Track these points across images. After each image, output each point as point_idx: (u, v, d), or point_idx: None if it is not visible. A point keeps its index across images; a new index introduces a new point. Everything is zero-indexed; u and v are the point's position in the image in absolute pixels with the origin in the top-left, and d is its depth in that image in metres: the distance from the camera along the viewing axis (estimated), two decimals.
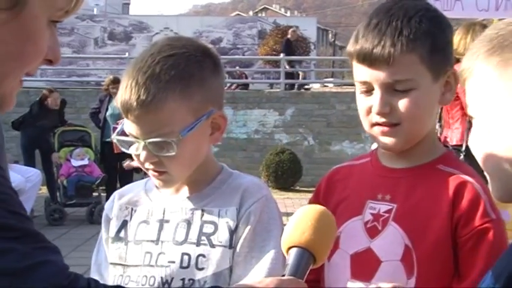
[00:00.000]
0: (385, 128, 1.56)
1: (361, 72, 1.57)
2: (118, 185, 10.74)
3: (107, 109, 11.14)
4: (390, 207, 1.59)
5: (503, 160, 1.10)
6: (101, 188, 10.72)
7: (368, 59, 1.54)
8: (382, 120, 1.56)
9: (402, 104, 1.53)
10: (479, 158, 1.15)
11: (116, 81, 11.08)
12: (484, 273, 1.45)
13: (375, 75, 1.54)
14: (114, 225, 1.75)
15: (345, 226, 1.63)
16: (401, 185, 1.60)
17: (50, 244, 1.12)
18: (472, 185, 1.54)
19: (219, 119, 1.66)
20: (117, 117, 10.81)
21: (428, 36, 1.54)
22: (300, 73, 22.15)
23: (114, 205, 1.78)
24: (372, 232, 1.59)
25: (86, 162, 10.74)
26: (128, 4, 58.32)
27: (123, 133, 1.64)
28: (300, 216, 1.31)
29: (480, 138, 1.14)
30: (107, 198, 10.50)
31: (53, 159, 10.79)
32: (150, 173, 1.65)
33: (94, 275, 1.76)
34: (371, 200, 1.62)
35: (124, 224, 1.74)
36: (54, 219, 10.31)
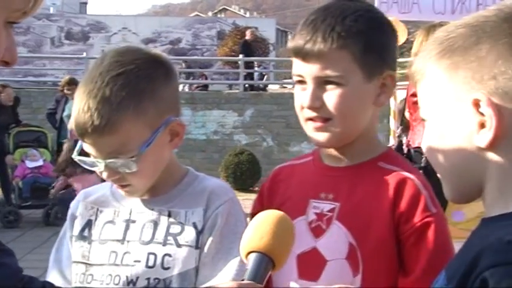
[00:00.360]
0: (317, 124, 1.59)
1: (296, 66, 1.61)
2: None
3: (63, 110, 11.03)
4: (333, 206, 1.60)
5: (453, 162, 1.12)
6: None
7: (301, 53, 1.57)
8: (314, 114, 1.58)
9: (331, 98, 1.56)
10: (431, 160, 1.16)
11: (71, 83, 10.98)
12: (428, 267, 1.49)
13: (307, 69, 1.57)
14: (78, 224, 1.75)
15: None
16: (343, 184, 1.62)
17: (4, 247, 1.11)
18: (412, 182, 1.56)
19: (177, 127, 1.67)
20: None
21: (363, 35, 1.56)
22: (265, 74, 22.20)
23: (79, 204, 1.78)
24: (317, 232, 1.61)
25: (41, 163, 10.59)
26: (86, 4, 57.77)
27: (83, 151, 1.64)
28: (258, 221, 1.30)
29: (431, 140, 1.15)
30: (61, 199, 10.34)
31: (7, 161, 10.62)
32: (115, 185, 1.67)
33: (53, 272, 1.75)
34: (314, 200, 1.64)
35: (88, 223, 1.74)
36: (9, 222, 10.12)
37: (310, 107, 1.58)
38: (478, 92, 1.05)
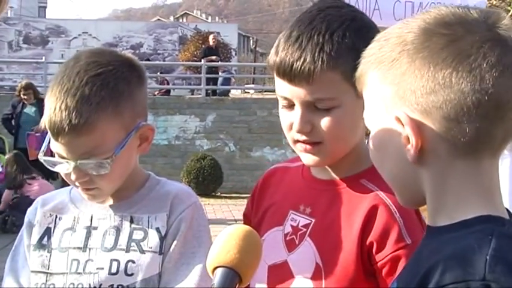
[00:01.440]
0: (307, 146, 1.52)
1: (282, 88, 1.51)
2: None
3: (20, 115, 10.87)
4: (308, 221, 1.57)
5: (393, 173, 1.13)
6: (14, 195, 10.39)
7: (288, 74, 1.46)
8: (303, 138, 1.51)
9: (324, 123, 1.48)
10: (378, 170, 1.18)
11: (27, 87, 10.86)
12: None
13: (296, 92, 1.47)
14: (36, 232, 1.72)
15: (268, 235, 1.63)
16: (323, 199, 1.58)
17: None
18: (387, 208, 1.48)
19: (147, 131, 1.67)
20: (32, 123, 10.57)
21: (352, 51, 1.42)
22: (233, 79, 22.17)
23: (37, 211, 1.74)
24: (290, 245, 1.58)
25: None
26: (45, 7, 57.08)
27: (48, 151, 1.61)
28: (224, 236, 1.29)
29: (373, 152, 1.17)
30: (17, 206, 10.16)
31: None
32: (79, 188, 1.64)
33: (8, 281, 1.71)
34: (293, 211, 1.60)
35: (47, 231, 1.71)
36: None
37: (300, 131, 1.50)
38: (399, 110, 1.06)
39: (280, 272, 1.57)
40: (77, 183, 1.61)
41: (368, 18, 1.60)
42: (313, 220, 1.56)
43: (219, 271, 1.24)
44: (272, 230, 1.63)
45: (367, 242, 1.48)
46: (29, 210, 1.77)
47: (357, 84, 1.18)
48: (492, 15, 1.07)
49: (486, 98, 1.01)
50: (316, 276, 1.52)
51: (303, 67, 1.44)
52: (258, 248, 1.31)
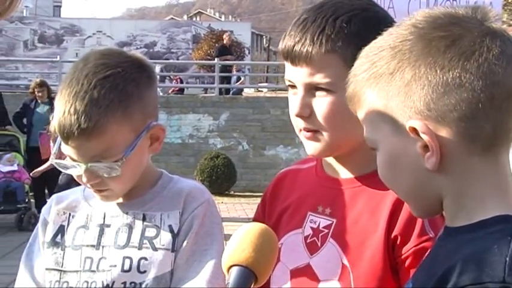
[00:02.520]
0: (308, 133, 1.51)
1: (288, 71, 1.52)
2: (46, 191, 10.53)
3: (33, 113, 10.90)
4: (330, 222, 1.53)
5: (408, 186, 1.11)
6: (30, 193, 10.46)
7: (290, 55, 1.47)
8: (303, 125, 1.50)
9: (319, 107, 1.47)
10: (389, 187, 1.16)
11: (42, 84, 10.89)
12: None
13: (296, 74, 1.48)
14: (50, 230, 1.72)
15: (286, 238, 1.59)
16: (341, 198, 1.54)
17: None
18: None
19: (158, 131, 1.66)
20: (45, 122, 10.61)
21: (355, 38, 1.41)
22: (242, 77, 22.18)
23: (51, 209, 1.75)
24: (312, 248, 1.54)
25: (15, 167, 10.47)
26: (60, 7, 57.35)
27: (60, 153, 1.61)
28: (240, 234, 1.27)
29: (383, 170, 1.14)
30: (36, 204, 10.27)
31: None
32: (92, 190, 1.64)
33: (24, 278, 1.72)
34: (311, 212, 1.56)
35: (61, 229, 1.71)
36: None
37: (299, 115, 1.49)
38: (413, 120, 1.04)
39: (304, 276, 1.54)
40: (88, 185, 1.62)
41: (385, 12, 1.57)
42: (335, 220, 1.53)
43: (234, 270, 1.22)
44: (290, 234, 1.59)
45: (392, 236, 1.46)
46: (44, 208, 1.78)
47: (349, 105, 1.16)
48: (478, 9, 1.07)
49: (499, 90, 1.02)
50: (343, 277, 1.49)
51: (302, 48, 1.45)
52: (274, 246, 1.29)
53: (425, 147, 1.04)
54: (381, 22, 1.42)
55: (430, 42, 1.04)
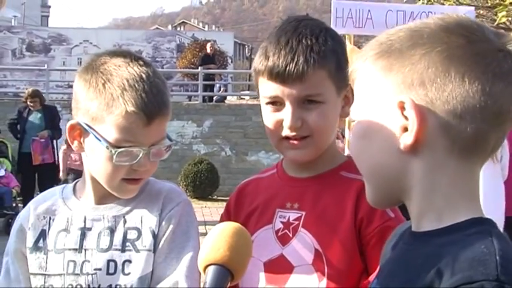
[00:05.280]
0: (296, 142, 1.59)
1: (272, 89, 1.57)
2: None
3: (26, 121, 10.85)
4: (299, 214, 1.61)
5: (376, 162, 1.10)
6: (18, 198, 10.38)
7: (281, 76, 1.54)
8: (293, 134, 1.58)
9: (312, 117, 1.56)
10: (355, 160, 1.15)
11: (34, 95, 10.86)
12: None
13: (287, 91, 1.55)
14: (31, 236, 1.70)
15: (257, 235, 1.65)
16: (308, 193, 1.63)
17: None
18: None
19: None
20: (37, 129, 10.57)
21: (334, 53, 1.58)
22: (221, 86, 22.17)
23: (30, 215, 1.72)
24: (284, 240, 1.61)
25: (2, 173, 10.38)
26: (47, 16, 57.09)
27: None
28: (214, 234, 1.28)
29: (356, 140, 1.13)
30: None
31: None
32: (124, 183, 1.63)
33: None
34: (280, 209, 1.64)
35: (42, 234, 1.69)
36: None
37: (292, 127, 1.57)
38: (404, 95, 1.04)
39: (278, 266, 1.60)
40: (127, 176, 1.62)
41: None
42: (304, 213, 1.61)
43: (211, 269, 1.23)
44: (261, 230, 1.65)
45: (358, 219, 1.55)
46: (22, 214, 1.75)
47: (351, 75, 1.17)
48: (503, 35, 1.08)
49: (493, 102, 1.01)
50: (317, 261, 1.56)
51: (297, 67, 1.54)
52: (248, 244, 1.30)
53: (405, 129, 1.04)
54: (340, 38, 1.66)
55: (450, 35, 1.04)
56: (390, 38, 1.10)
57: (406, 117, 1.03)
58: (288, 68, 1.53)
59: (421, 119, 1.02)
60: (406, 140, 1.03)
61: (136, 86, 1.56)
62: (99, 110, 1.57)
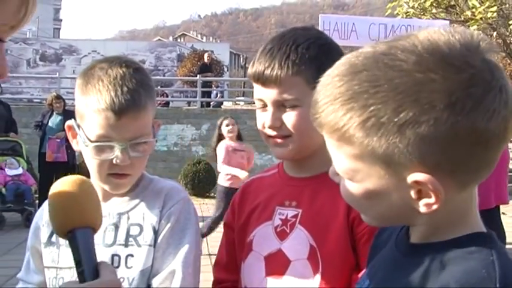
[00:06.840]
0: (278, 140, 1.59)
1: (258, 91, 1.60)
2: None
3: (47, 123, 10.91)
4: (296, 212, 1.60)
5: (383, 214, 1.02)
6: (35, 195, 10.36)
7: (261, 79, 1.56)
8: (274, 133, 1.58)
9: (289, 118, 1.56)
10: (360, 212, 1.07)
11: (58, 97, 11.06)
12: None
13: (267, 94, 1.56)
14: (45, 232, 1.70)
15: (258, 230, 1.65)
16: (305, 192, 1.62)
17: None
18: None
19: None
20: (56, 131, 10.64)
21: (314, 61, 1.53)
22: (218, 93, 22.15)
23: (43, 213, 1.72)
24: (282, 235, 1.60)
25: (20, 171, 10.35)
26: (59, 29, 56.96)
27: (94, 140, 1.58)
28: (60, 199, 1.23)
29: (360, 201, 1.02)
30: (39, 205, 10.17)
31: None
32: (111, 178, 1.60)
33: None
34: (279, 207, 1.63)
35: None
36: None
37: (271, 127, 1.58)
38: (418, 173, 0.92)
39: (277, 260, 1.59)
40: (113, 171, 1.58)
41: (332, 41, 1.65)
42: (301, 210, 1.60)
43: (76, 234, 1.20)
44: (261, 226, 1.65)
45: (351, 218, 1.53)
46: (38, 213, 1.76)
47: (318, 127, 1.05)
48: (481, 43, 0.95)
49: (495, 132, 0.92)
50: (312, 256, 1.55)
51: (272, 72, 1.54)
52: (91, 193, 1.26)
53: (420, 192, 0.94)
54: (331, 47, 1.59)
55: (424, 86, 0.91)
56: (370, 103, 0.93)
57: (418, 183, 0.93)
58: (265, 72, 1.54)
59: (439, 187, 0.92)
60: (429, 207, 0.94)
61: (109, 85, 1.55)
62: (81, 109, 1.59)
